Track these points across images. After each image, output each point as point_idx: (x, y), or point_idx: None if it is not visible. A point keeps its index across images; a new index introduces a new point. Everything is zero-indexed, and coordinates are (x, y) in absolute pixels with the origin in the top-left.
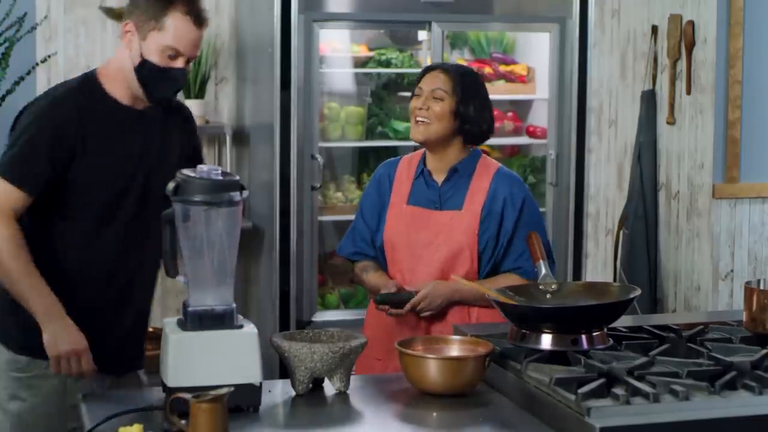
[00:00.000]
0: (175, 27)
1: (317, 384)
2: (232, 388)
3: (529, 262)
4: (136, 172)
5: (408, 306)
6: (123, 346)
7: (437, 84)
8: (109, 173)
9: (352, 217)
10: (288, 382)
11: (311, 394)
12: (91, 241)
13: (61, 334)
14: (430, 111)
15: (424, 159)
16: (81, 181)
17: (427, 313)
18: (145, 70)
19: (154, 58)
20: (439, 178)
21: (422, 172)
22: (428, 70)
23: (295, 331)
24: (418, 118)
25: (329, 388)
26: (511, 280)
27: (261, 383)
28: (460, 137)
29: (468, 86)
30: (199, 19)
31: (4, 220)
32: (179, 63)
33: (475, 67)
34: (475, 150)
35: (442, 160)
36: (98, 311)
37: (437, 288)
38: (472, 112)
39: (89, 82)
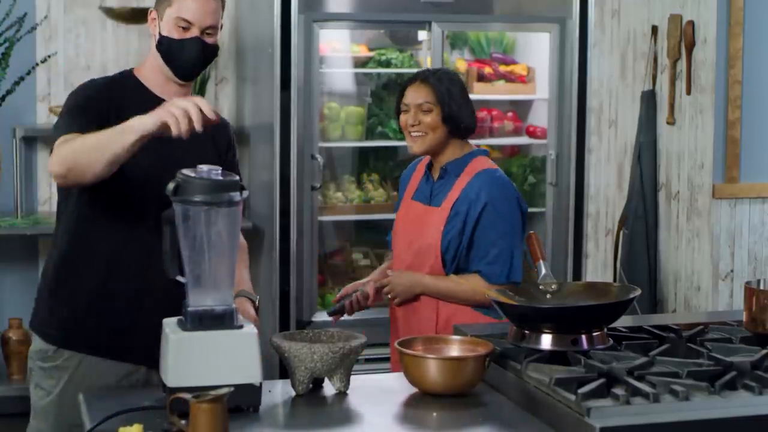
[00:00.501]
0: None
1: (317, 384)
2: (232, 389)
3: (492, 267)
4: (168, 162)
5: (372, 290)
6: (156, 338)
7: (422, 97)
8: (147, 164)
9: (352, 217)
10: (288, 382)
11: (311, 394)
12: (126, 229)
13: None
14: (422, 125)
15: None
16: (120, 171)
17: (396, 300)
18: (163, 45)
19: (169, 31)
20: (435, 176)
21: (427, 170)
22: (409, 83)
23: (295, 331)
24: (413, 133)
25: (329, 388)
26: (473, 279)
27: (261, 383)
28: (454, 137)
29: (450, 91)
30: None
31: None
32: (193, 33)
33: (475, 66)
34: (477, 150)
35: (441, 160)
36: (131, 302)
37: (399, 276)
38: (459, 113)
39: (125, 75)
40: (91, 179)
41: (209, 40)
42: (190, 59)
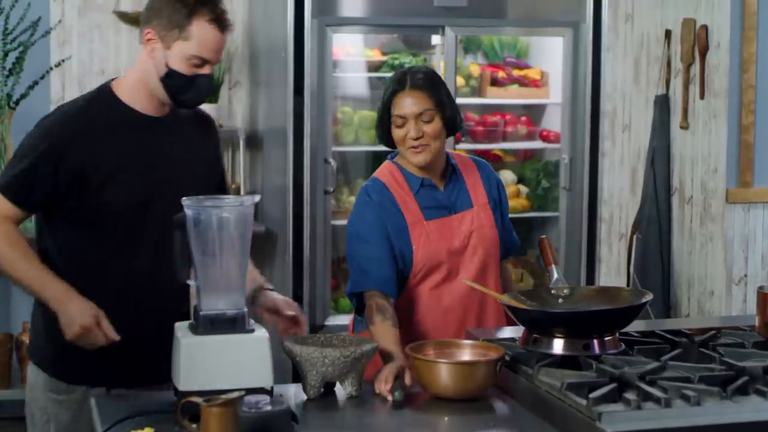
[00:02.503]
0: (200, 35)
1: (329, 388)
2: (244, 393)
3: (514, 236)
4: (161, 178)
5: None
6: (161, 357)
7: (420, 106)
8: (133, 182)
9: None
10: (300, 386)
11: (323, 399)
12: (124, 249)
13: (73, 315)
14: (426, 136)
15: (404, 170)
16: (104, 191)
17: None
18: (172, 79)
19: (180, 66)
20: (440, 183)
21: (422, 184)
22: (395, 92)
23: (308, 335)
24: (416, 146)
25: (341, 392)
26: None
27: (272, 387)
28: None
29: (443, 92)
30: (223, 24)
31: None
32: (205, 70)
33: (488, 71)
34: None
35: (437, 166)
36: (135, 321)
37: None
38: (455, 113)
39: (103, 95)
40: None
41: (212, 71)
42: (198, 96)
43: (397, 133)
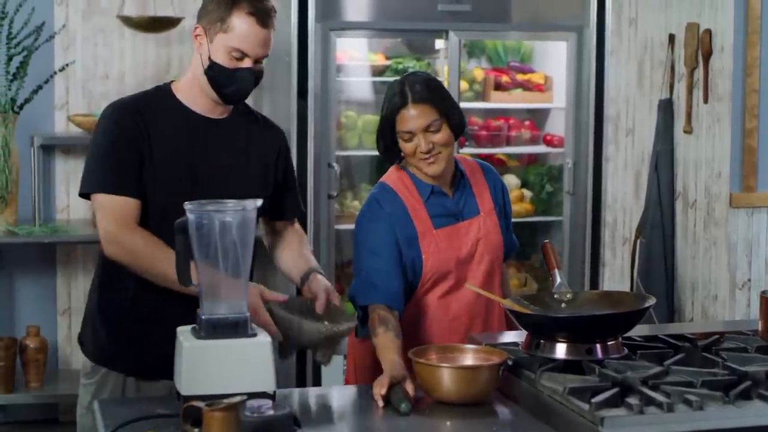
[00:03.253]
0: (239, 28)
1: (301, 352)
2: (246, 397)
3: (514, 238)
4: (203, 179)
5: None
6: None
7: (426, 119)
8: (173, 177)
9: None
10: (302, 390)
11: (323, 404)
12: (168, 240)
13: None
14: (436, 146)
15: (414, 177)
16: (151, 185)
17: None
18: (213, 71)
19: (221, 59)
20: (449, 190)
21: (432, 191)
22: (398, 109)
23: (295, 298)
24: (428, 158)
25: (343, 392)
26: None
27: (275, 392)
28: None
29: (444, 98)
30: (264, 19)
31: (129, 230)
32: (246, 63)
33: (492, 75)
34: None
35: (448, 172)
36: (168, 317)
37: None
38: (460, 115)
39: (161, 91)
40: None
41: (258, 67)
42: (241, 89)
43: (406, 147)
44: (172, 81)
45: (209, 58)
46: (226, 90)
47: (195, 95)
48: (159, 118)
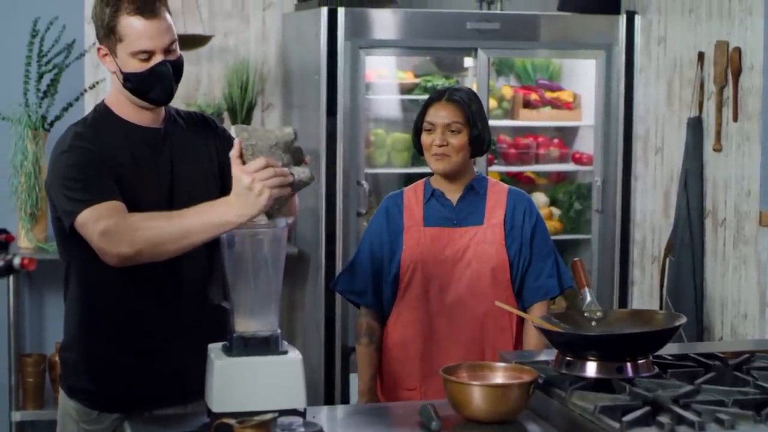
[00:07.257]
0: (130, 30)
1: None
2: (277, 414)
3: (551, 281)
4: (175, 187)
5: None
6: (184, 375)
7: (450, 117)
8: (150, 195)
9: None
10: (331, 408)
11: (352, 422)
12: (154, 266)
13: (250, 209)
14: (449, 146)
15: (427, 183)
16: (130, 203)
17: None
18: (131, 82)
19: (132, 66)
20: (453, 197)
21: (433, 194)
22: (432, 102)
23: (261, 128)
24: (439, 154)
25: (361, 412)
26: (541, 311)
27: (305, 409)
28: (473, 157)
29: (476, 111)
30: (149, 10)
31: (123, 217)
32: (157, 59)
33: (521, 93)
34: (481, 174)
35: (458, 181)
36: (156, 341)
37: None
38: (485, 134)
39: (100, 111)
40: (160, 259)
41: (173, 56)
42: (163, 86)
43: (425, 139)
44: (103, 99)
45: (121, 71)
46: (150, 94)
47: (129, 110)
48: (112, 138)
